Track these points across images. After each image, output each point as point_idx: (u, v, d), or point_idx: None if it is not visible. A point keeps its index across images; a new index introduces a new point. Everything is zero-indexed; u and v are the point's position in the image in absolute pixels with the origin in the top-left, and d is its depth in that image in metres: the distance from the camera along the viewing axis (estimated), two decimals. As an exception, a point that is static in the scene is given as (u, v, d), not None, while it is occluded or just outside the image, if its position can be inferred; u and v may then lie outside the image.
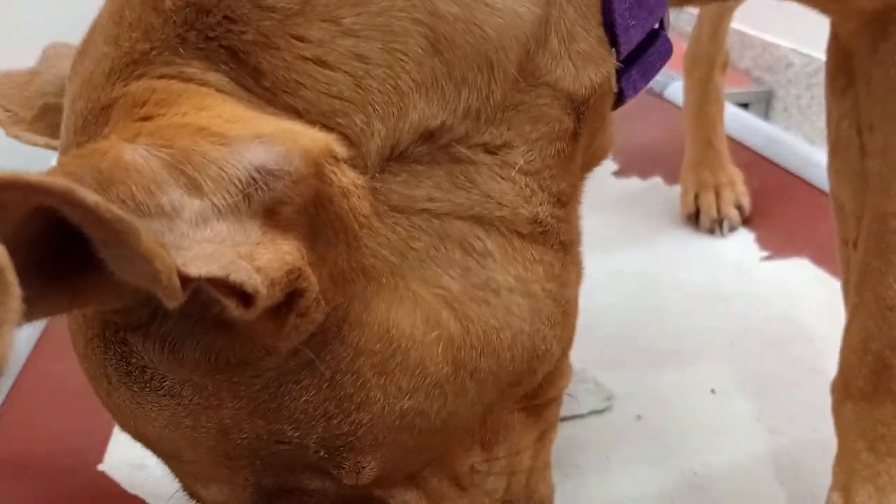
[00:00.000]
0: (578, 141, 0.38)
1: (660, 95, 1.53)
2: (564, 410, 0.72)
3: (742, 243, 1.01)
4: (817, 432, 0.69)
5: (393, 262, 0.33)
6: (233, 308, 0.27)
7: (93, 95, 0.32)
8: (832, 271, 0.93)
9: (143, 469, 0.68)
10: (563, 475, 0.65)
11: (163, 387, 0.34)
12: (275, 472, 0.37)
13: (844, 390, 0.53)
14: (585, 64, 0.37)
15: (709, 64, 1.06)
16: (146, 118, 0.30)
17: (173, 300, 0.25)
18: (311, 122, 0.31)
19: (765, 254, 0.98)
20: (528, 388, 0.41)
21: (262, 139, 0.28)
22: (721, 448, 0.67)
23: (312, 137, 0.29)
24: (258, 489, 0.38)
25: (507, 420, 0.43)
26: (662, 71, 1.47)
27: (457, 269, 0.35)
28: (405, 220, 0.33)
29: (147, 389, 0.34)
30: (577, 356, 0.82)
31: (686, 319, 0.85)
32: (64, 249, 0.25)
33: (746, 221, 1.05)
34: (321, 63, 0.31)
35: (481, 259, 0.35)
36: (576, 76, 0.37)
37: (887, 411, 0.50)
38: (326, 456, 0.36)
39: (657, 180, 1.19)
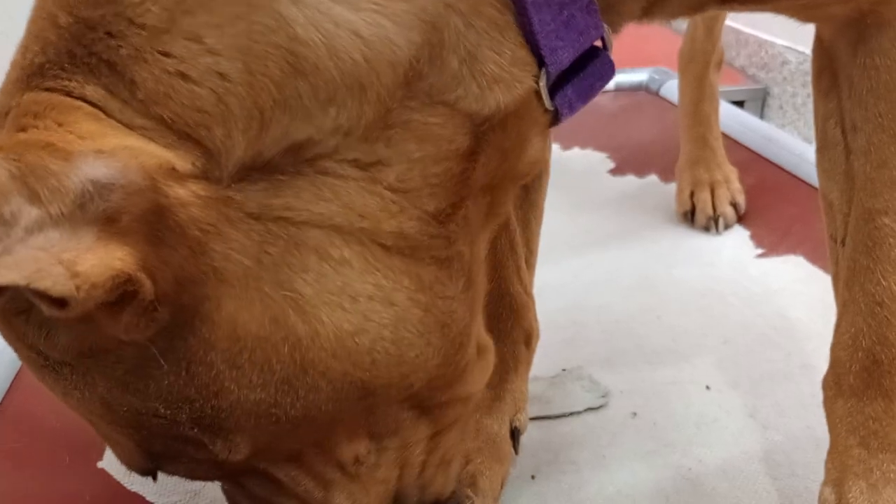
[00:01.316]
0: (477, 160, 0.39)
1: (656, 93, 1.53)
2: (561, 408, 0.73)
3: (737, 241, 1.01)
4: (811, 428, 0.69)
5: (246, 265, 0.35)
6: (45, 309, 0.31)
7: (2, 101, 0.36)
8: (827, 268, 0.93)
9: (141, 467, 0.68)
10: (559, 471, 0.66)
11: (48, 364, 0.38)
12: (159, 441, 0.40)
13: (835, 387, 0.54)
14: (492, 84, 0.38)
15: (703, 62, 1.07)
16: (22, 129, 0.33)
17: None
18: (178, 132, 0.33)
19: (760, 251, 0.99)
20: (409, 390, 0.42)
21: (102, 155, 0.31)
22: (715, 444, 0.68)
23: (151, 154, 0.32)
24: (149, 454, 0.41)
25: (397, 415, 0.44)
26: (658, 69, 1.48)
27: (311, 275, 0.36)
28: (261, 226, 0.35)
29: (38, 365, 0.38)
30: (572, 354, 0.83)
31: (681, 316, 0.85)
32: None
33: (742, 219, 1.05)
34: (185, 78, 0.33)
35: (338, 266, 0.37)
36: (479, 96, 0.37)
37: (878, 407, 0.51)
38: (199, 432, 0.38)
39: (653, 178, 1.19)
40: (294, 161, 0.35)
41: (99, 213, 0.31)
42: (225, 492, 0.48)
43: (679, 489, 0.63)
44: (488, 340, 0.49)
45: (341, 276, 0.37)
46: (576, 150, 1.31)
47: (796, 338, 0.82)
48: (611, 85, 1.67)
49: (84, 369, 0.37)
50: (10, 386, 0.78)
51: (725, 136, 1.13)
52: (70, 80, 0.34)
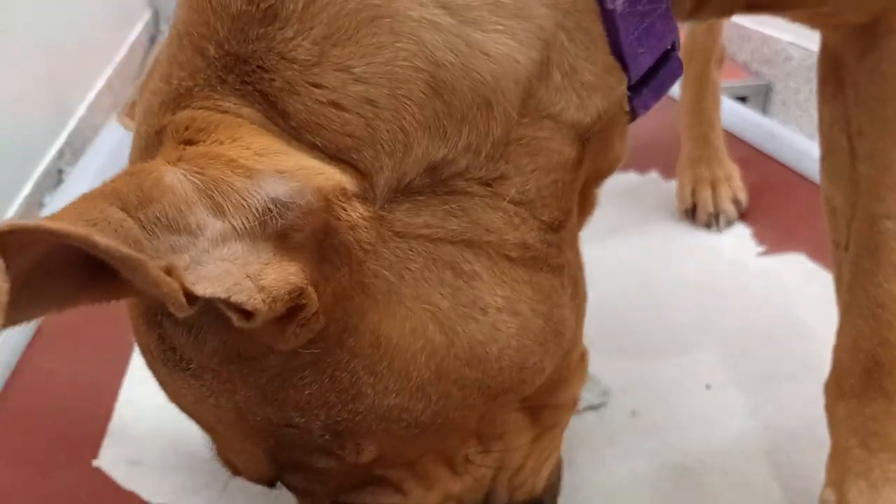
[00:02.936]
0: (580, 168, 0.42)
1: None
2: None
3: (739, 238, 1.01)
4: (812, 428, 0.69)
5: (391, 281, 0.37)
6: (235, 320, 0.32)
7: (150, 121, 0.38)
8: (828, 266, 0.93)
9: (137, 465, 0.68)
10: (557, 471, 0.66)
11: (189, 368, 0.39)
12: (287, 450, 0.42)
13: (837, 389, 0.54)
14: (591, 94, 0.40)
15: (704, 59, 1.06)
16: (188, 142, 0.35)
17: (181, 313, 0.31)
18: (330, 156, 0.35)
19: (761, 249, 0.98)
20: (522, 395, 0.45)
21: (282, 174, 0.33)
22: (716, 443, 0.67)
23: (327, 176, 0.34)
24: (274, 462, 0.43)
25: (505, 418, 0.46)
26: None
27: (447, 289, 0.38)
28: (405, 244, 0.37)
29: (177, 369, 0.39)
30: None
31: (682, 314, 0.85)
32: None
33: (743, 216, 1.04)
34: (336, 106, 0.35)
35: (470, 280, 0.39)
36: (580, 106, 0.40)
37: (878, 408, 0.51)
38: (330, 438, 0.40)
39: (654, 175, 1.18)
40: (431, 182, 0.37)
41: (277, 229, 0.32)
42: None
43: (679, 489, 0.63)
44: (585, 347, 0.51)
45: (473, 290, 0.39)
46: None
47: (798, 336, 0.81)
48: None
49: (226, 376, 0.38)
50: (7, 385, 0.78)
51: (727, 133, 1.12)
52: (224, 101, 0.35)
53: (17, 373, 0.79)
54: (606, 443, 0.68)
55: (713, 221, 1.02)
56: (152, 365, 0.41)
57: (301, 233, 0.33)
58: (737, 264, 0.95)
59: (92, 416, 0.73)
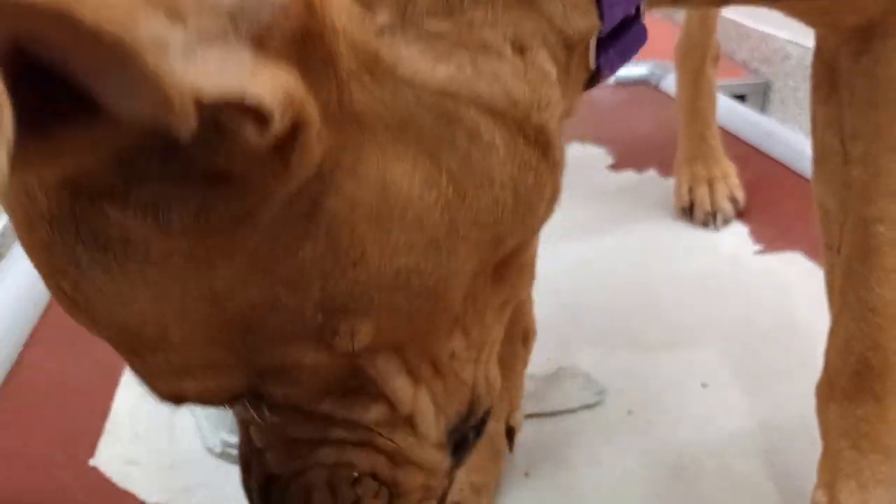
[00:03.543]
0: (570, 76, 0.39)
1: (656, 87, 1.52)
2: (556, 405, 0.72)
3: (736, 236, 1.01)
4: (808, 427, 0.69)
5: (391, 125, 0.33)
6: (250, 132, 0.26)
7: None
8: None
9: (134, 464, 0.68)
10: (553, 469, 0.66)
11: (148, 259, 0.32)
12: (269, 345, 0.36)
13: (828, 391, 0.54)
14: (573, 10, 0.38)
15: (699, 58, 1.06)
16: None
17: (187, 127, 0.24)
18: None
19: (759, 247, 0.98)
20: (495, 283, 0.42)
21: None
22: (711, 443, 0.67)
23: None
24: (249, 368, 0.37)
25: (484, 307, 0.43)
26: (658, 62, 1.48)
27: (459, 152, 0.35)
28: (415, 94, 0.33)
29: (130, 262, 0.32)
30: (568, 351, 0.82)
31: (679, 312, 0.85)
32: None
33: (741, 214, 1.05)
34: None
35: (485, 150, 0.35)
36: (563, 16, 0.37)
37: (869, 410, 0.51)
38: (322, 320, 0.35)
39: (652, 173, 1.19)
40: (451, 28, 0.33)
41: (252, 30, 0.26)
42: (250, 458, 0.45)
43: (674, 488, 0.63)
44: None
45: (485, 161, 0.36)
46: (574, 145, 1.31)
47: (794, 335, 0.81)
48: (610, 79, 1.67)
49: (204, 253, 0.32)
50: (3, 384, 0.78)
51: (725, 131, 1.12)
52: None
53: (13, 372, 0.80)
54: (602, 441, 0.68)
55: (710, 220, 1.02)
56: (77, 283, 0.33)
57: (279, 36, 0.27)
58: (734, 262, 0.95)
59: (88, 415, 0.73)
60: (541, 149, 0.38)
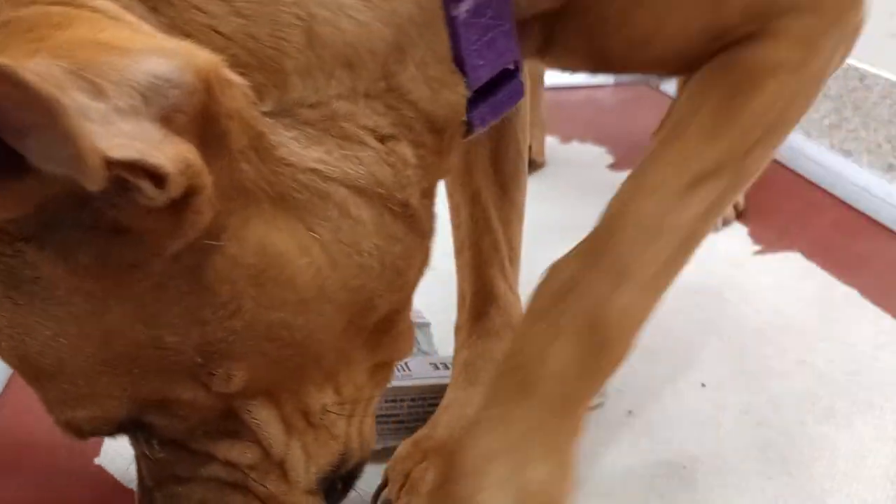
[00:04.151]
0: (442, 157, 0.44)
1: (656, 88, 1.53)
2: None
3: (735, 237, 1.01)
4: (805, 425, 0.70)
5: (274, 198, 0.38)
6: (149, 191, 0.31)
7: None
8: (824, 265, 0.94)
9: (139, 462, 0.68)
10: (554, 468, 0.66)
11: (53, 296, 0.36)
12: (151, 380, 0.39)
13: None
14: (440, 89, 0.43)
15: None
16: (42, 39, 0.31)
17: (95, 182, 0.28)
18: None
19: (758, 248, 0.99)
20: (367, 341, 0.46)
21: (162, 52, 0.31)
22: (710, 442, 0.68)
23: (206, 57, 0.33)
24: (134, 401, 0.40)
25: (356, 367, 0.47)
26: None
27: (330, 224, 0.40)
28: (291, 172, 0.38)
29: (36, 300, 0.36)
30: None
31: (677, 313, 0.85)
32: None
33: (740, 216, 1.05)
34: (217, 32, 0.35)
35: (354, 224, 0.40)
36: (431, 98, 0.42)
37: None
38: (201, 362, 0.39)
39: (652, 173, 1.19)
40: (317, 117, 0.38)
41: (162, 109, 0.30)
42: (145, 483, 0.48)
43: (673, 487, 0.64)
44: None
45: (354, 233, 0.41)
46: (575, 144, 1.32)
47: (791, 334, 0.82)
48: (611, 79, 1.67)
49: (101, 294, 0.36)
50: (8, 383, 0.79)
51: (724, 131, 1.13)
52: None
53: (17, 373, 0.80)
54: (602, 442, 0.68)
55: (710, 220, 1.03)
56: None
57: (184, 115, 0.31)
58: (733, 263, 0.96)
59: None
60: (406, 222, 0.43)
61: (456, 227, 0.70)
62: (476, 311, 0.67)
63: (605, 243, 0.48)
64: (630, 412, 0.72)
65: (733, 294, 0.89)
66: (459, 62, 0.43)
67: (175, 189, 0.31)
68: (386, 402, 0.66)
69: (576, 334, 0.46)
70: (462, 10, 0.42)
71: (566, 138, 1.32)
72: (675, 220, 0.48)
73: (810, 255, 0.95)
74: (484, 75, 0.45)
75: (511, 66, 0.47)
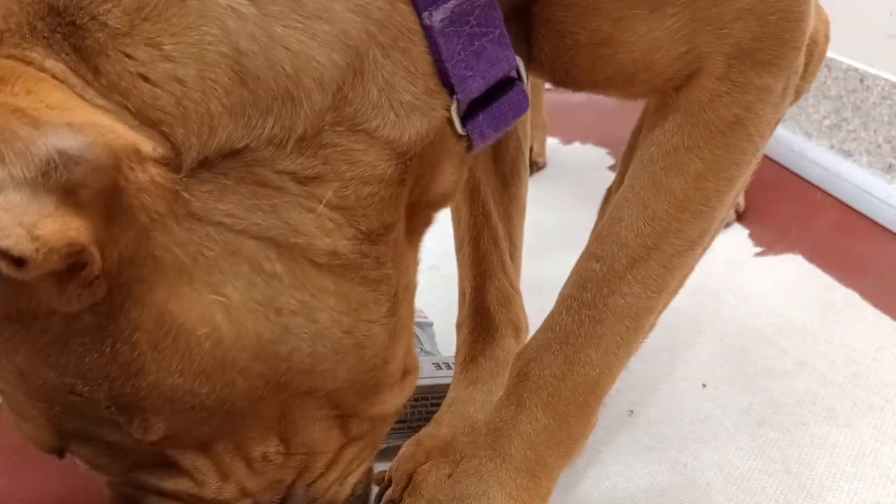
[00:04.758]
0: (402, 186, 0.41)
1: (656, 89, 1.53)
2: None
3: (736, 239, 1.01)
4: (805, 425, 0.70)
5: (182, 261, 0.37)
6: (3, 267, 0.31)
7: None
8: (824, 267, 0.94)
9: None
10: (555, 467, 0.67)
11: None
12: (72, 419, 0.40)
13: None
14: (409, 114, 0.40)
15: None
16: None
17: None
18: (143, 122, 0.35)
19: (758, 250, 0.99)
20: (317, 397, 0.44)
21: (72, 127, 0.31)
22: (710, 440, 0.69)
23: (119, 134, 0.33)
24: (60, 431, 0.41)
25: (308, 423, 0.45)
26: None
27: (242, 282, 0.38)
28: (201, 227, 0.36)
29: None
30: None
31: (678, 314, 0.85)
32: None
33: (741, 218, 1.05)
34: (146, 80, 0.35)
35: (268, 279, 0.38)
36: (397, 124, 0.39)
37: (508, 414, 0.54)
38: (116, 411, 0.39)
39: (653, 174, 1.19)
40: (236, 166, 0.36)
41: (61, 182, 0.31)
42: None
43: (674, 484, 0.64)
44: (415, 364, 0.50)
45: (270, 289, 0.38)
46: (576, 145, 1.32)
47: (792, 336, 0.82)
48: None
49: (7, 335, 0.37)
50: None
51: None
52: (31, 51, 0.34)
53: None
54: (603, 440, 0.69)
55: (710, 221, 1.03)
56: None
57: (88, 189, 0.32)
58: (733, 264, 0.96)
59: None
60: (337, 272, 0.40)
61: (456, 223, 0.70)
62: (476, 308, 0.67)
63: (557, 324, 0.52)
64: (631, 411, 0.72)
65: (733, 295, 0.90)
66: (444, 75, 0.40)
67: (40, 267, 0.31)
68: (388, 401, 0.66)
69: (538, 407, 0.52)
70: (436, 19, 0.39)
71: (567, 140, 1.32)
72: (617, 301, 0.51)
73: (811, 257, 0.96)
74: (476, 87, 0.42)
75: (511, 75, 0.44)
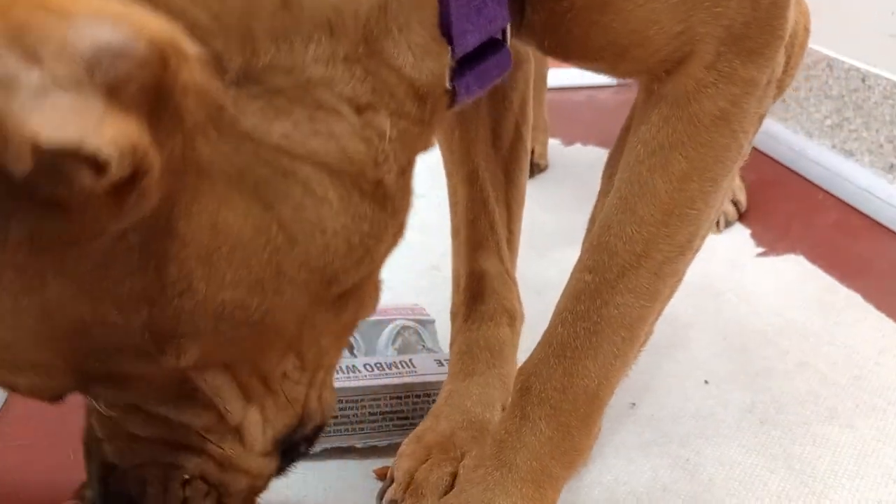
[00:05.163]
0: (424, 125, 0.42)
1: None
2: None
3: (737, 239, 1.01)
4: (808, 424, 0.70)
5: (230, 174, 0.35)
6: (86, 178, 0.28)
7: None
8: (826, 267, 0.94)
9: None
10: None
11: None
12: (97, 355, 0.38)
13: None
14: (423, 57, 0.40)
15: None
16: None
17: (21, 167, 0.26)
18: (180, 24, 0.31)
19: (760, 250, 0.99)
20: (332, 315, 0.44)
21: (109, 17, 0.27)
22: (713, 436, 0.68)
23: (161, 26, 0.29)
24: (78, 373, 0.38)
25: (320, 336, 0.45)
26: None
27: (292, 202, 0.37)
28: (252, 147, 0.35)
29: None
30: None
31: (682, 312, 0.86)
32: None
33: (742, 217, 1.05)
34: None
35: (318, 203, 0.38)
36: (414, 65, 0.40)
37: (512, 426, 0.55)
38: (150, 338, 0.37)
39: (654, 175, 1.19)
40: (290, 85, 0.35)
41: (107, 80, 0.27)
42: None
43: (676, 479, 0.64)
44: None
45: (318, 212, 0.38)
46: (577, 146, 1.32)
47: (794, 337, 0.82)
48: (612, 80, 1.67)
49: (36, 269, 0.33)
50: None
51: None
52: None
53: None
54: (605, 432, 0.68)
55: (712, 221, 1.03)
56: None
57: (132, 88, 0.28)
58: (735, 264, 0.96)
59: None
60: (378, 201, 0.41)
61: (453, 207, 0.69)
62: (471, 294, 0.67)
63: (554, 338, 0.53)
64: (633, 404, 0.72)
65: (735, 295, 0.90)
66: (446, 28, 0.41)
67: (117, 173, 0.28)
68: (391, 398, 0.66)
69: (542, 419, 0.53)
70: None
71: (568, 141, 1.32)
72: (611, 312, 0.51)
73: (812, 257, 0.96)
74: (472, 42, 0.43)
75: (498, 36, 0.45)
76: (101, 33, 0.27)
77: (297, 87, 0.36)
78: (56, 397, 0.41)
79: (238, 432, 0.45)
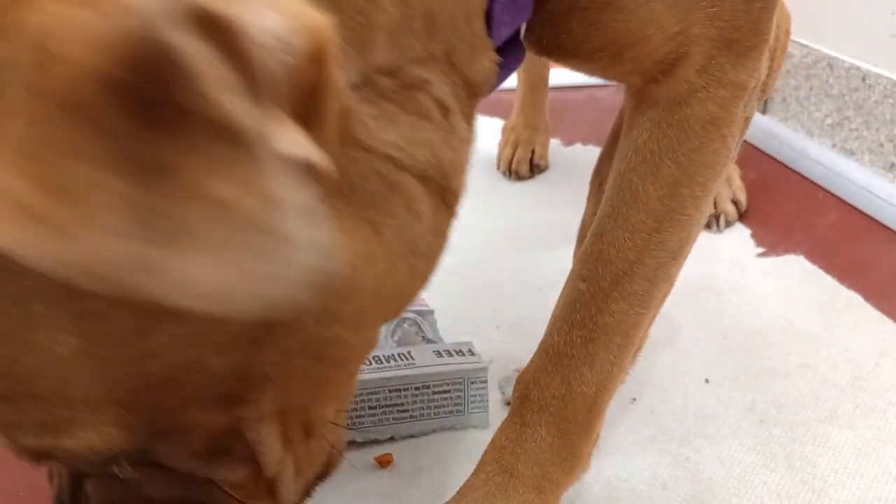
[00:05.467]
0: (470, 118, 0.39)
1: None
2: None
3: (738, 239, 1.01)
4: (809, 424, 0.70)
5: (343, 192, 0.31)
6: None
7: None
8: (826, 268, 0.94)
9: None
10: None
11: (88, 308, 0.28)
12: (176, 406, 0.33)
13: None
14: (478, 52, 0.38)
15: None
16: None
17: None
18: None
19: (760, 250, 0.99)
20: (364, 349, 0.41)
21: (270, 3, 0.23)
22: (713, 435, 0.68)
23: (319, 19, 0.25)
24: (146, 431, 0.33)
25: (355, 371, 0.42)
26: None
27: (395, 222, 0.34)
28: (367, 159, 0.32)
29: (61, 310, 0.28)
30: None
31: (681, 311, 0.86)
32: None
33: (743, 217, 1.05)
34: None
35: (415, 220, 0.35)
36: (469, 60, 0.38)
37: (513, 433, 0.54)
38: (237, 386, 0.33)
39: (655, 175, 1.19)
40: (396, 88, 0.33)
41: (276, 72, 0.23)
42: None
43: (676, 476, 0.64)
44: None
45: (412, 230, 0.35)
46: (577, 146, 1.32)
47: (794, 338, 0.82)
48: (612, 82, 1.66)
49: (152, 307, 0.25)
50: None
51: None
52: None
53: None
54: (605, 427, 0.68)
55: (713, 222, 1.03)
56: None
57: (288, 90, 0.24)
58: (735, 265, 0.96)
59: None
60: (452, 213, 0.37)
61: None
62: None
63: (551, 347, 0.53)
64: (634, 399, 0.72)
65: (736, 295, 0.89)
66: (487, 20, 0.38)
67: None
68: (390, 391, 0.66)
69: (542, 426, 0.53)
70: None
71: (568, 141, 1.32)
72: (606, 319, 0.51)
73: (812, 257, 0.96)
74: (504, 34, 0.41)
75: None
76: (267, 21, 0.23)
77: (401, 91, 0.33)
78: (105, 461, 0.35)
79: (271, 486, 0.40)
